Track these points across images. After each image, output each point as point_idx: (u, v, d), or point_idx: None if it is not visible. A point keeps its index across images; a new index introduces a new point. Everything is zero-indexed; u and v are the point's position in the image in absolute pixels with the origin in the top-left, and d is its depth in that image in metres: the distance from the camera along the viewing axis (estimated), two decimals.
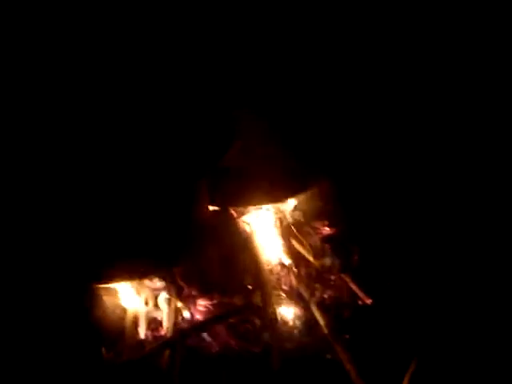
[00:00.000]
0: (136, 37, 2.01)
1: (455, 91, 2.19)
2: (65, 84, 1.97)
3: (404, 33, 2.20)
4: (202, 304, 2.06)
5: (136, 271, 2.02)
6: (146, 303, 2.08)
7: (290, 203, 2.25)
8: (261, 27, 2.09)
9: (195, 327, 1.97)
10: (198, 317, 2.04)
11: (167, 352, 1.88)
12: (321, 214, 2.26)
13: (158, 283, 2.09)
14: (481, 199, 2.14)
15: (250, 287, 2.08)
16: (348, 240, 2.17)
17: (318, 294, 2.04)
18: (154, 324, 2.05)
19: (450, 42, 2.19)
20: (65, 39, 1.96)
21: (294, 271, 2.11)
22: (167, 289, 2.08)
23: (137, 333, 2.02)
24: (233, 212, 2.24)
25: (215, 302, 2.05)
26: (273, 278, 2.12)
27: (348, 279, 2.05)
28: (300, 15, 2.13)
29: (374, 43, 2.21)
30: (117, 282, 2.03)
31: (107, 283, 2.03)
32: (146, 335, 2.01)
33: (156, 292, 2.10)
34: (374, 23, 2.16)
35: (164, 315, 2.04)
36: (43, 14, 1.89)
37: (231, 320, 1.98)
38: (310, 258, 2.14)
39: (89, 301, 2.01)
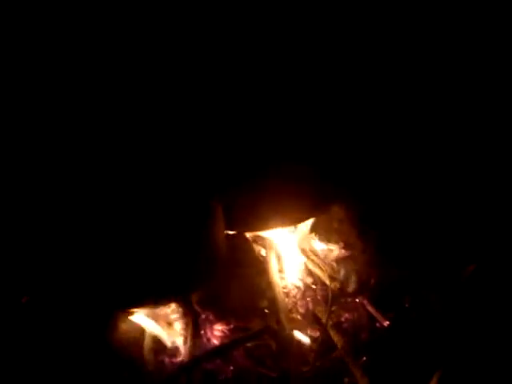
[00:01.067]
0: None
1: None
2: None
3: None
4: (219, 329, 2.06)
5: (153, 298, 2.03)
6: (164, 329, 2.09)
7: (306, 225, 2.25)
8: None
9: (212, 352, 1.97)
10: (215, 341, 2.04)
11: (184, 377, 1.88)
12: (336, 236, 2.25)
13: (175, 309, 2.10)
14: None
15: (266, 311, 2.07)
16: (365, 262, 2.15)
17: (334, 316, 2.02)
18: (171, 350, 2.05)
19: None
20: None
21: (310, 294, 2.10)
22: (184, 314, 2.09)
23: (155, 359, 2.02)
24: (248, 236, 2.25)
25: (232, 326, 2.05)
26: (289, 301, 2.11)
27: (365, 301, 2.03)
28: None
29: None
30: (135, 308, 2.04)
31: (125, 310, 2.04)
32: (163, 361, 2.01)
33: (173, 318, 2.10)
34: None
35: (181, 341, 2.05)
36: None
37: (248, 344, 1.97)
38: (326, 281, 2.13)
39: (108, 328, 2.03)
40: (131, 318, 2.06)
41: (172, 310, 2.08)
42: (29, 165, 1.94)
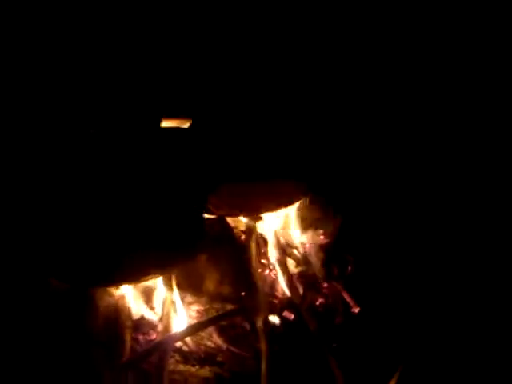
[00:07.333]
0: None
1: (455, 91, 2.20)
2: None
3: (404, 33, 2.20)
4: (195, 309, 2.07)
5: (135, 274, 2.02)
6: (142, 306, 2.09)
7: (286, 212, 2.27)
8: None
9: (186, 331, 1.98)
10: (190, 321, 2.05)
11: (156, 355, 1.88)
12: (316, 223, 2.27)
13: (152, 286, 2.10)
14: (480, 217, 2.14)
15: (242, 294, 2.09)
16: (342, 249, 2.18)
17: (309, 301, 2.04)
18: (146, 327, 2.05)
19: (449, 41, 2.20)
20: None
21: (287, 279, 2.12)
22: (162, 293, 2.09)
23: (130, 336, 2.02)
24: (228, 220, 2.27)
25: (208, 307, 2.07)
26: (266, 284, 2.13)
27: (340, 287, 2.06)
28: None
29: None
30: (116, 284, 2.03)
31: (107, 286, 2.02)
32: (138, 338, 2.01)
33: (151, 295, 2.10)
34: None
35: (157, 318, 2.05)
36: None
37: (222, 324, 1.99)
38: (304, 266, 2.15)
39: (84, 303, 2.02)
40: (109, 294, 2.07)
41: (150, 288, 2.09)
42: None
